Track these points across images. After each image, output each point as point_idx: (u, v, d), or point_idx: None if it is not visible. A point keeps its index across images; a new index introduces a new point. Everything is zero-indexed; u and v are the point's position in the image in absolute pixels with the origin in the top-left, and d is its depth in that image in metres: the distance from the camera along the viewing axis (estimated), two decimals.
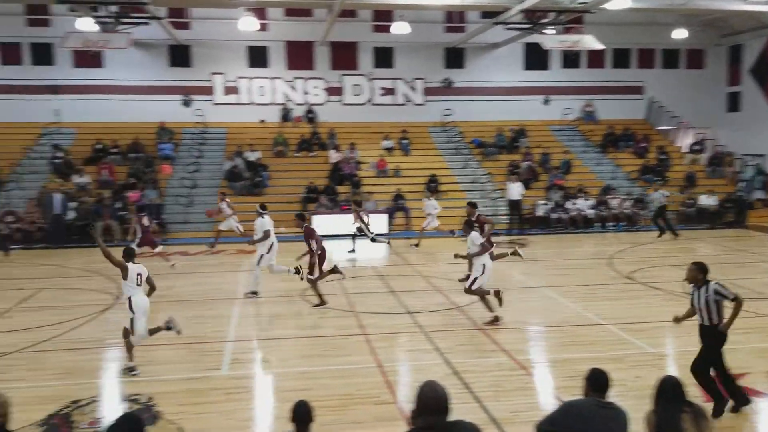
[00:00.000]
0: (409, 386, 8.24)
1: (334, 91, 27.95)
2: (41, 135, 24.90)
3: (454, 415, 3.72)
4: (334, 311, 11.90)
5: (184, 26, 26.11)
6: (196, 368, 8.96)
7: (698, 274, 7.28)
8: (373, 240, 18.00)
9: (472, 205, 14.24)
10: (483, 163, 25.91)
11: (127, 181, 22.45)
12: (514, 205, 22.02)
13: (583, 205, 22.76)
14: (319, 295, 12.15)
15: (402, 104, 28.38)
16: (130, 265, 8.74)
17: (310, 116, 27.47)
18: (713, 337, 7.22)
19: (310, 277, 12.10)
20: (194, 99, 26.91)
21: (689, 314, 7.53)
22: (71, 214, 20.12)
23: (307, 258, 12.27)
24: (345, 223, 21.15)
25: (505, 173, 24.48)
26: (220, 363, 9.16)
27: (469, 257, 11.26)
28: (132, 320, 8.78)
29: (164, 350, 9.74)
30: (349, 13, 25.58)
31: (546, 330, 10.97)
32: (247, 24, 23.02)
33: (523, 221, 22.20)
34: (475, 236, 11.14)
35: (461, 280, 13.39)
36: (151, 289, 9.20)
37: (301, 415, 4.86)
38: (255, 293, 13.10)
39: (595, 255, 18.55)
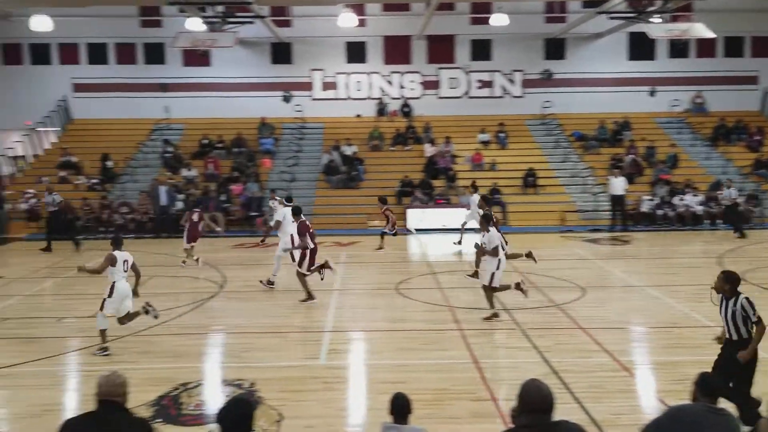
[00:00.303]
0: (505, 383, 8.13)
1: (431, 85, 27.90)
2: (152, 131, 26.27)
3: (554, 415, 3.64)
4: (429, 305, 11.89)
5: (286, 24, 26.80)
6: (294, 357, 9.20)
7: (724, 284, 6.66)
8: (395, 234, 18.14)
9: (484, 199, 14.07)
10: (584, 156, 25.15)
11: (230, 174, 23.33)
12: (617, 201, 21.23)
13: (691, 201, 21.65)
14: (307, 291, 12.06)
15: (499, 97, 27.97)
16: (117, 253, 9.35)
17: (405, 110, 27.56)
18: (735, 352, 6.56)
19: (299, 269, 12.11)
20: (294, 95, 27.61)
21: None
22: (179, 205, 21.09)
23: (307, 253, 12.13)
24: (440, 216, 21.15)
25: (607, 167, 23.65)
26: (317, 353, 9.35)
27: (483, 254, 11.19)
28: (104, 301, 9.32)
29: (264, 338, 10.05)
30: (446, 6, 25.44)
31: (650, 331, 10.54)
32: (347, 20, 23.38)
33: (626, 217, 21.37)
34: (494, 235, 11.04)
35: (470, 276, 13.28)
36: (137, 275, 9.82)
37: (400, 407, 4.88)
38: (271, 284, 13.20)
39: (704, 253, 17.61)
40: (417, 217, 21.10)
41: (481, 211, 18.08)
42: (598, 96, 27.37)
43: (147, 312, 9.53)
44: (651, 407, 7.28)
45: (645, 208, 21.71)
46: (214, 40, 21.63)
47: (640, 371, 8.69)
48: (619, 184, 21.16)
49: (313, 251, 12.21)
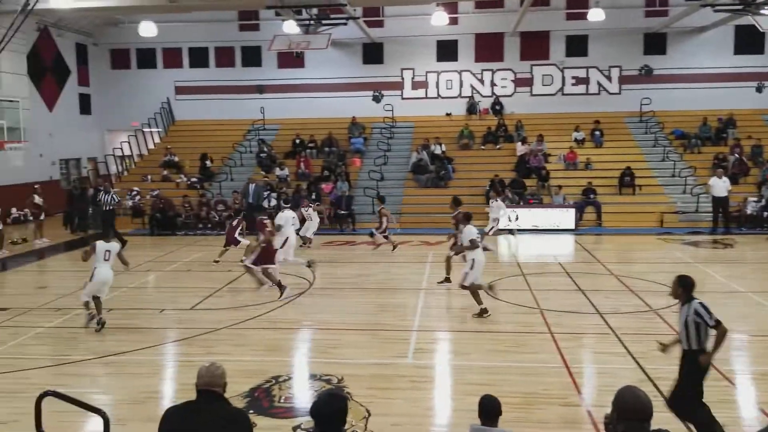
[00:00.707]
0: (598, 389, 7.90)
1: (523, 82, 27.46)
2: (248, 131, 27.15)
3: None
4: (519, 307, 11.70)
5: (378, 24, 27.06)
6: (382, 355, 9.26)
7: (677, 288, 6.22)
8: (371, 235, 17.76)
9: (456, 202, 14.07)
10: (684, 155, 24.04)
11: (321, 173, 23.79)
12: (720, 202, 20.14)
13: None
14: (258, 280, 12.77)
15: (595, 94, 27.20)
16: (98, 243, 10.62)
17: (496, 108, 27.23)
18: (693, 363, 6.15)
19: (243, 258, 12.98)
20: (384, 94, 27.84)
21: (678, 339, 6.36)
22: (272, 203, 21.64)
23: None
24: (531, 216, 20.81)
25: (710, 167, 22.52)
26: (405, 351, 9.39)
27: (462, 250, 11.53)
28: (86, 283, 10.57)
29: (352, 335, 10.19)
30: (541, 2, 24.99)
31: (753, 339, 9.95)
32: (439, 19, 23.35)
33: (730, 219, 20.26)
34: (470, 230, 11.30)
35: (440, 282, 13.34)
36: (123, 263, 11.37)
37: (489, 409, 4.82)
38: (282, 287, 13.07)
39: None
40: (507, 217, 20.78)
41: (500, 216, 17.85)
42: (700, 92, 26.13)
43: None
44: (752, 418, 6.89)
45: (750, 210, 20.52)
46: (308, 42, 22.11)
47: (741, 381, 8.23)
48: (722, 185, 20.07)
49: (266, 249, 12.77)
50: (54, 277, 15.59)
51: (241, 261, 13.33)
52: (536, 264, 16.00)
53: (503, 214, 18.35)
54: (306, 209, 17.96)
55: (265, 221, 13.37)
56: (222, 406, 3.98)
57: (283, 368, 8.71)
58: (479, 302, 11.07)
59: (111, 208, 18.84)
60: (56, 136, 25.83)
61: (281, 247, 13.85)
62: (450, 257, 13.24)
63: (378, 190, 22.57)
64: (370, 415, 7.15)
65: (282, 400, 7.68)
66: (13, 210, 21.97)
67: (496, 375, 8.31)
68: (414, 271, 15.07)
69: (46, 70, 25.83)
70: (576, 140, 25.09)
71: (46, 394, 4.67)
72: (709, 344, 6.19)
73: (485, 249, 13.73)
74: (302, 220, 17.30)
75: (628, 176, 22.33)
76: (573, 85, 27.30)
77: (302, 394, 7.88)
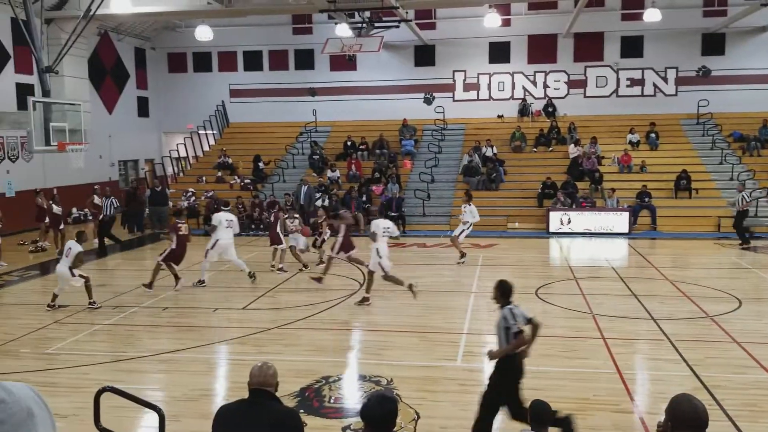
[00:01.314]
0: (651, 396, 7.73)
1: (576, 84, 27.05)
2: (300, 133, 27.48)
3: None
4: (570, 311, 11.53)
5: (430, 27, 27.05)
6: (430, 357, 9.25)
7: (496, 292, 6.32)
8: (316, 245, 16.34)
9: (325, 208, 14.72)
10: (743, 158, 23.29)
11: (372, 175, 23.90)
12: None
13: None
14: (152, 279, 13.06)
15: (651, 95, 26.61)
16: (70, 242, 11.86)
17: (549, 110, 26.90)
18: (500, 368, 6.14)
19: (158, 257, 13.29)
20: (436, 96, 27.81)
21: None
22: (319, 204, 21.80)
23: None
24: (584, 220, 20.52)
25: None
26: (454, 354, 9.36)
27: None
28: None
29: (402, 337, 10.20)
30: (595, 3, 24.57)
31: None
32: (491, 21, 23.22)
33: None
34: (375, 223, 12.37)
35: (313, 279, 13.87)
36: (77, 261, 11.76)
37: (539, 414, 4.78)
38: (202, 282, 13.80)
39: None
40: (559, 220, 20.54)
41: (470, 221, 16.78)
42: (761, 93, 25.27)
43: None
44: None
45: None
46: (360, 45, 22.27)
47: None
48: None
49: (175, 251, 13.16)
50: (112, 276, 16.06)
51: (156, 257, 13.61)
52: (588, 268, 15.73)
53: (469, 223, 16.71)
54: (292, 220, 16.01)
55: (179, 224, 13.62)
56: (274, 405, 4.05)
57: (333, 368, 8.78)
58: (367, 290, 12.07)
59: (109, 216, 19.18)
60: (115, 138, 26.64)
61: (211, 248, 13.85)
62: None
63: (429, 192, 22.56)
64: (419, 417, 7.16)
65: (332, 401, 7.75)
66: (74, 210, 22.72)
67: (547, 380, 8.20)
68: (464, 273, 15.01)
69: (106, 74, 26.68)
70: (631, 143, 24.58)
71: (104, 389, 4.82)
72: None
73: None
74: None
75: (684, 179, 21.76)
76: (628, 86, 26.76)
77: (352, 395, 7.94)
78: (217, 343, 10.19)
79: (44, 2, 18.05)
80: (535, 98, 27.30)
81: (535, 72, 27.27)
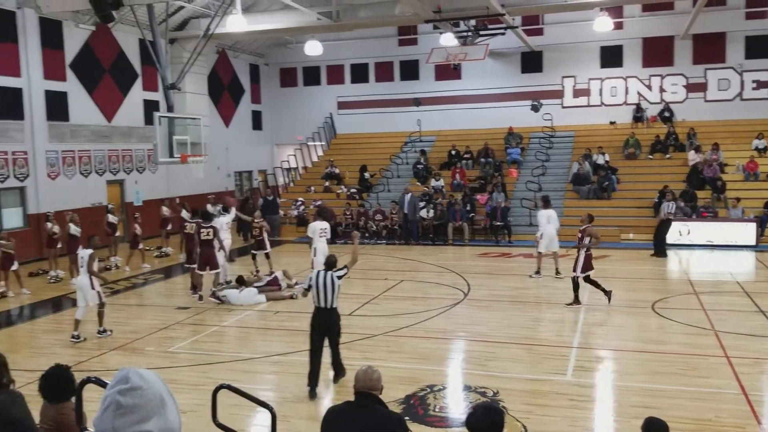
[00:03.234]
0: None
1: (696, 88, 25.70)
2: (405, 143, 27.70)
3: None
4: (690, 328, 10.91)
5: (538, 33, 26.59)
6: (539, 370, 9.03)
7: None
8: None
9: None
10: None
11: (476, 184, 23.70)
12: None
13: None
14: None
15: None
16: (80, 250, 11.30)
17: (666, 115, 25.69)
18: None
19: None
20: (543, 103, 27.26)
21: None
22: (423, 213, 21.85)
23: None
24: (704, 231, 19.46)
25: None
26: (564, 368, 9.08)
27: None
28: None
29: (509, 348, 10.01)
30: (716, 2, 23.29)
31: None
32: (603, 24, 22.53)
33: None
34: (312, 225, 14.16)
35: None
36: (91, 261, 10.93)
37: None
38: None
39: None
40: (678, 230, 19.53)
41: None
42: None
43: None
44: None
45: None
46: (465, 53, 22.19)
47: None
48: None
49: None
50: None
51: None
52: (710, 282, 14.84)
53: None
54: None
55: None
56: (380, 409, 4.09)
57: (437, 377, 8.75)
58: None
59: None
60: (231, 150, 27.90)
61: (314, 257, 14.00)
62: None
63: (536, 201, 22.07)
64: (526, 430, 7.00)
65: (437, 409, 7.72)
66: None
67: (664, 398, 7.81)
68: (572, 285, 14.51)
69: (224, 90, 28.03)
70: (757, 149, 23.01)
71: (221, 387, 5.03)
72: None
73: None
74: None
75: None
76: (753, 89, 25.10)
77: (457, 405, 7.88)
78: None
79: (168, 24, 19.23)
80: (651, 103, 26.17)
81: (651, 76, 26.16)
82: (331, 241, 20.07)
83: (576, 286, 12.49)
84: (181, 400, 7.61)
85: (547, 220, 15.59)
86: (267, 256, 16.27)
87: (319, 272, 8.42)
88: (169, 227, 19.98)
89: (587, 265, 12.46)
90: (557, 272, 15.26)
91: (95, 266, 10.97)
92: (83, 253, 11.10)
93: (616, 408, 7.80)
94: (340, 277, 8.37)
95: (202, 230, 13.60)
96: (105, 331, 11.06)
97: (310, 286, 8.41)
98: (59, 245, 16.40)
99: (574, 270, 12.54)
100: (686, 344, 10.06)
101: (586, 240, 12.56)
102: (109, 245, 18.51)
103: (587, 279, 12.49)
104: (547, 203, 16.11)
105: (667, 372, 8.81)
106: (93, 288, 10.94)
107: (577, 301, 12.52)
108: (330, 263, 8.62)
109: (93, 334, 11.06)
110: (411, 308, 12.56)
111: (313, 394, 8.14)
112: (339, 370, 8.58)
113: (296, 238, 22.80)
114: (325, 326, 8.32)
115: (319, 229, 14.20)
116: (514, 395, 7.97)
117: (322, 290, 8.25)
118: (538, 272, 15.39)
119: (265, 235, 16.18)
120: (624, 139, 24.76)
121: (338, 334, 8.48)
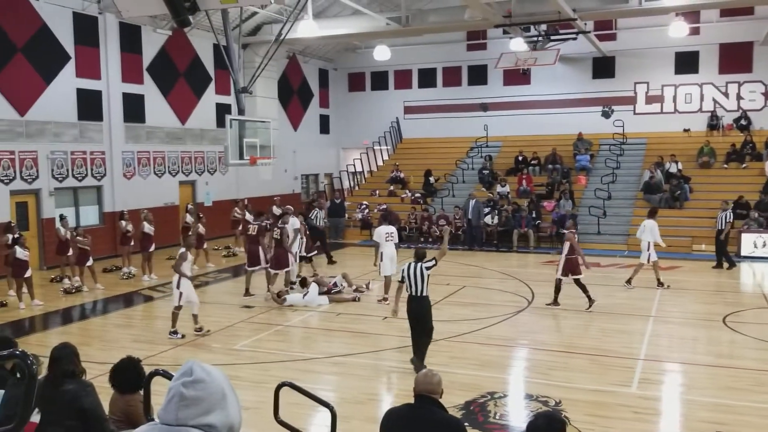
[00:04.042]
0: None
1: None
2: (471, 148, 27.58)
3: None
4: (763, 343, 10.48)
5: (610, 38, 26.06)
6: (603, 381, 8.85)
7: None
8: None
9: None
10: None
11: (543, 191, 23.37)
12: None
13: None
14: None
15: None
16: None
17: (742, 123, 24.74)
18: None
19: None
20: (614, 109, 26.66)
21: None
22: (488, 219, 21.68)
23: None
24: None
25: None
26: (629, 380, 8.88)
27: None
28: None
29: (572, 358, 9.85)
30: None
31: None
32: (678, 29, 21.92)
33: None
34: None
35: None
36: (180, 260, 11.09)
37: None
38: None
39: None
40: (752, 242, 18.78)
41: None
42: None
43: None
44: None
45: None
46: (535, 58, 21.97)
47: None
48: None
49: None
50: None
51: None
52: None
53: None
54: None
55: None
56: (439, 412, 4.12)
57: (498, 385, 8.70)
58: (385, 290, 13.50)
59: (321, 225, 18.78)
60: (299, 153, 28.40)
61: (381, 261, 14.02)
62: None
63: (605, 209, 21.61)
64: None
65: (497, 417, 7.68)
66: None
67: (733, 414, 7.54)
68: (643, 296, 14.17)
69: (293, 94, 28.57)
70: None
71: (283, 384, 5.15)
72: None
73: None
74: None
75: None
76: None
77: (518, 413, 7.81)
78: (385, 350, 10.49)
79: (242, 29, 19.75)
80: (727, 110, 25.24)
81: (727, 83, 25.23)
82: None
83: (557, 288, 13.04)
84: (243, 396, 7.81)
85: (642, 231, 15.17)
86: (304, 259, 16.43)
87: (409, 264, 9.16)
88: (240, 229, 20.46)
89: (571, 269, 12.88)
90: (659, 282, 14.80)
91: (184, 266, 11.02)
92: (180, 253, 11.27)
93: (683, 422, 7.58)
94: (428, 268, 9.11)
95: (274, 230, 14.01)
96: (176, 333, 11.12)
97: (403, 278, 9.21)
98: (132, 243, 16.96)
99: (557, 272, 13.17)
100: (758, 360, 9.68)
101: (566, 246, 13.00)
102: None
103: (577, 282, 12.85)
104: (650, 213, 15.65)
105: (736, 387, 8.50)
106: (177, 288, 11.06)
107: (555, 302, 13.03)
108: (419, 255, 9.32)
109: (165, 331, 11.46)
110: (473, 314, 12.51)
111: (414, 360, 9.12)
112: (421, 355, 9.09)
113: (360, 241, 23.01)
114: (417, 312, 9.09)
115: (385, 233, 14.26)
116: (576, 405, 7.84)
117: (413, 280, 9.03)
118: (660, 284, 14.81)
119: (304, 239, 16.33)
120: (698, 147, 23.97)
121: (429, 320, 9.13)
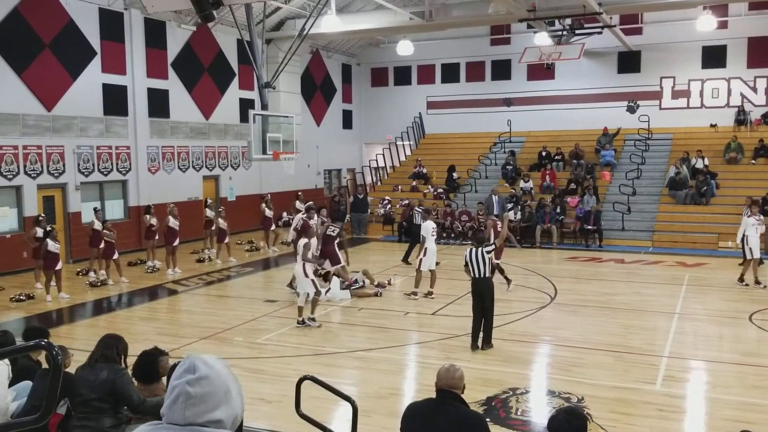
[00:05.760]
0: None
1: None
2: (494, 144, 27.43)
3: None
4: None
5: (636, 32, 25.73)
6: (626, 378, 8.77)
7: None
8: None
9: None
10: None
11: (566, 186, 23.19)
12: None
13: None
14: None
15: None
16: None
17: None
18: None
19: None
20: (640, 104, 26.35)
21: None
22: (511, 215, 21.51)
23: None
24: None
25: None
26: (653, 377, 8.79)
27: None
28: None
29: (595, 355, 9.78)
30: None
31: None
32: (705, 23, 21.59)
33: None
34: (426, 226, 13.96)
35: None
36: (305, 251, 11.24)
37: None
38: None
39: None
40: None
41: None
42: None
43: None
44: None
45: None
46: (560, 53, 21.77)
47: None
48: None
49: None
50: None
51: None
52: None
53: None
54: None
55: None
56: (461, 407, 4.11)
57: (520, 381, 8.66)
58: (416, 284, 13.52)
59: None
60: (322, 149, 28.47)
61: (424, 256, 13.98)
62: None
63: (629, 205, 21.37)
64: None
65: (519, 413, 7.65)
66: (284, 214, 24.61)
67: (760, 413, 7.43)
68: (667, 292, 14.01)
69: (316, 89, 28.64)
70: None
71: (305, 378, 5.18)
72: None
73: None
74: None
75: None
76: None
77: (540, 409, 7.77)
78: (407, 345, 10.49)
79: (265, 24, 19.84)
80: (755, 106, 24.81)
81: (756, 77, 24.79)
82: (417, 240, 20.19)
83: (500, 270, 13.82)
84: (265, 390, 7.96)
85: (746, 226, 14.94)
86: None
87: (471, 249, 9.98)
88: (273, 228, 20.48)
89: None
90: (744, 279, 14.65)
91: (309, 255, 11.35)
92: (300, 243, 11.48)
93: (708, 421, 7.49)
94: (488, 252, 9.92)
95: (328, 228, 13.91)
96: (314, 319, 11.26)
97: (466, 263, 9.92)
98: (157, 237, 17.14)
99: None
100: None
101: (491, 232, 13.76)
102: (204, 238, 19.36)
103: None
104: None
105: (763, 386, 8.39)
106: (307, 276, 11.28)
107: (507, 281, 14.00)
108: (479, 239, 10.25)
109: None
110: (496, 310, 12.42)
111: (474, 347, 9.85)
112: (488, 337, 9.87)
113: (383, 236, 23.03)
114: (481, 292, 9.84)
115: (431, 228, 14.25)
116: (599, 402, 7.78)
117: (475, 263, 9.80)
118: (757, 282, 14.47)
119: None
120: (725, 142, 23.60)
121: (492, 300, 9.87)
